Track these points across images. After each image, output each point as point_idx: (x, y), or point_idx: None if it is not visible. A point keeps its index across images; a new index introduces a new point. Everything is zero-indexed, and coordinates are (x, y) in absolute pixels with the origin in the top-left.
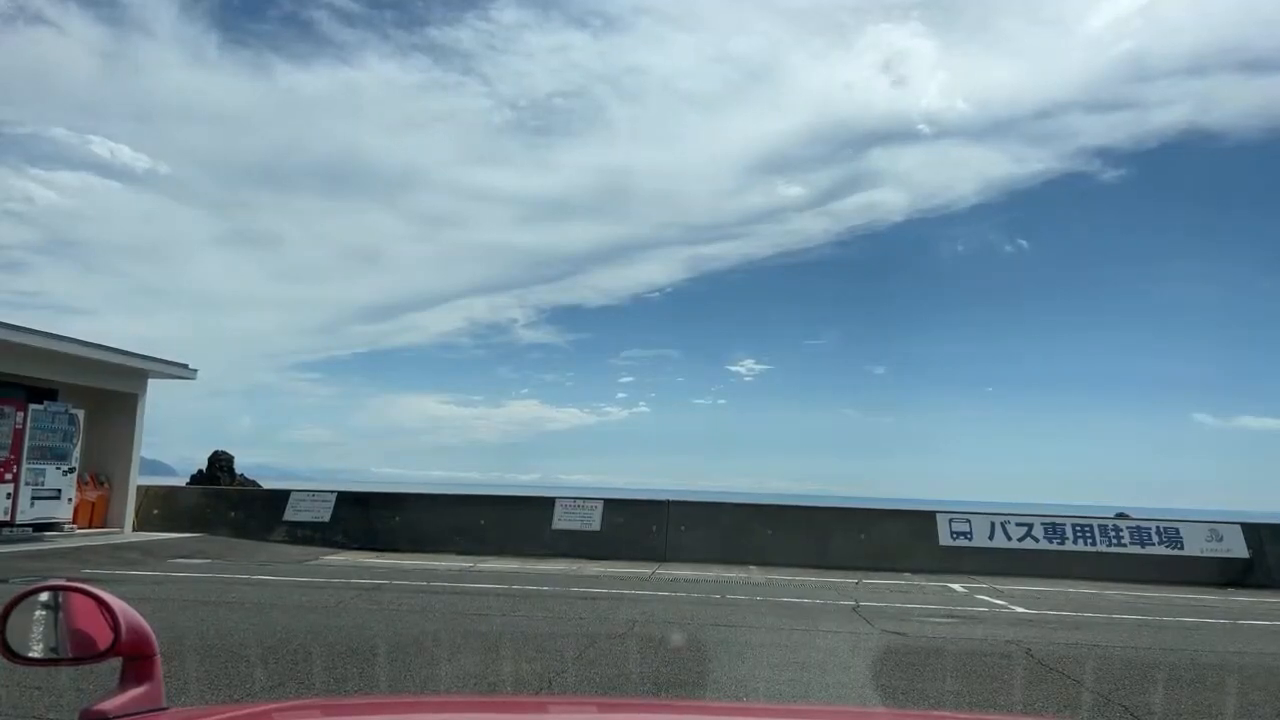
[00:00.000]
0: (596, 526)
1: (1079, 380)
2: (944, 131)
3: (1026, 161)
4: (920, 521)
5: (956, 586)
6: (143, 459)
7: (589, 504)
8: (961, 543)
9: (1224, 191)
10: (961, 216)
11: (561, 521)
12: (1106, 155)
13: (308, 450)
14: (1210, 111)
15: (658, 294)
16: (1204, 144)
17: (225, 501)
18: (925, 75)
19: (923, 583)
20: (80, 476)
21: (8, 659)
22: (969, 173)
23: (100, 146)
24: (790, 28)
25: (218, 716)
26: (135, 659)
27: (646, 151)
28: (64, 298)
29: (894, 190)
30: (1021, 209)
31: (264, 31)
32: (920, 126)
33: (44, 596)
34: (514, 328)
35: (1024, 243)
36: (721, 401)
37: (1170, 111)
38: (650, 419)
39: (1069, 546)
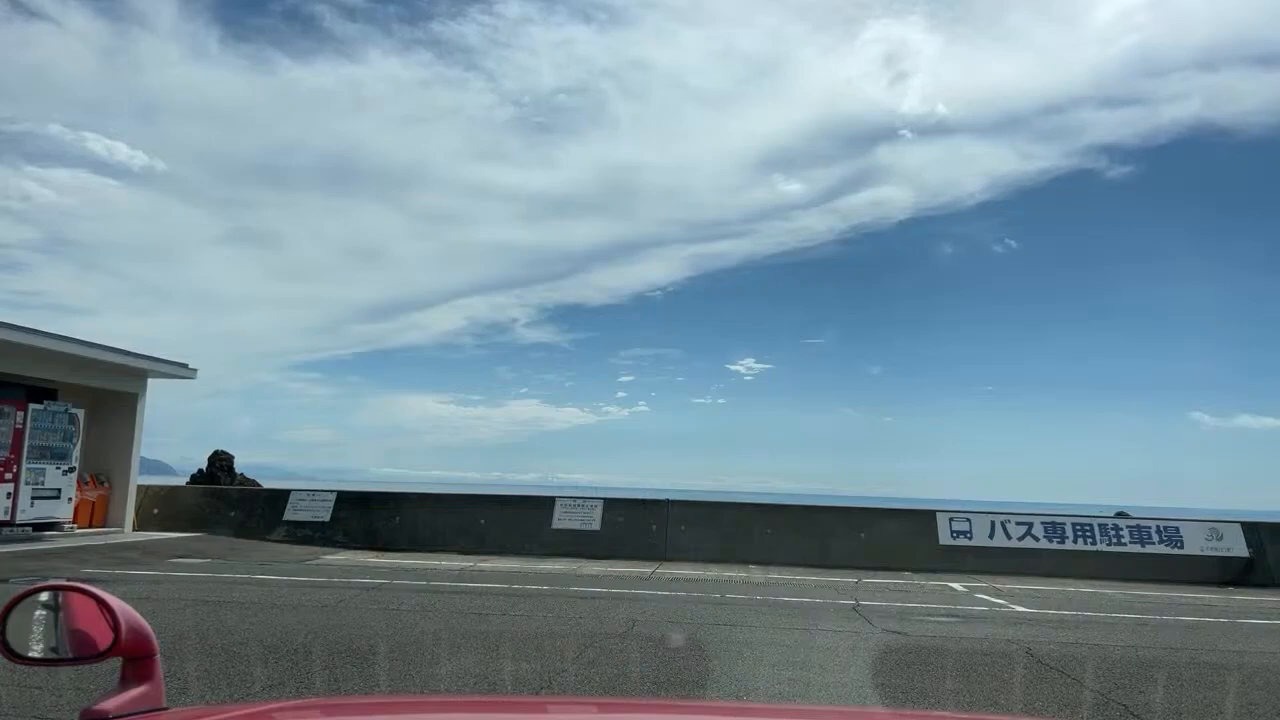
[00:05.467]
0: (596, 526)
1: (1080, 379)
2: (950, 128)
3: (1033, 158)
4: (920, 521)
5: (956, 586)
6: (143, 459)
7: (589, 503)
8: (961, 542)
9: (1231, 189)
10: (967, 214)
11: (561, 521)
12: (1114, 152)
13: (308, 450)
14: (1221, 107)
15: (659, 293)
16: (1214, 140)
17: (225, 501)
18: (931, 71)
19: (923, 582)
20: (80, 476)
21: (8, 659)
22: (976, 169)
23: (96, 144)
24: (797, 22)
25: (218, 716)
26: (135, 659)
27: (650, 148)
28: (63, 297)
29: (899, 187)
30: (1027, 207)
31: (266, 27)
32: (926, 123)
33: (44, 596)
34: (515, 327)
35: (1027, 241)
36: (721, 401)
37: (1180, 107)
38: (650, 418)
39: (1069, 545)
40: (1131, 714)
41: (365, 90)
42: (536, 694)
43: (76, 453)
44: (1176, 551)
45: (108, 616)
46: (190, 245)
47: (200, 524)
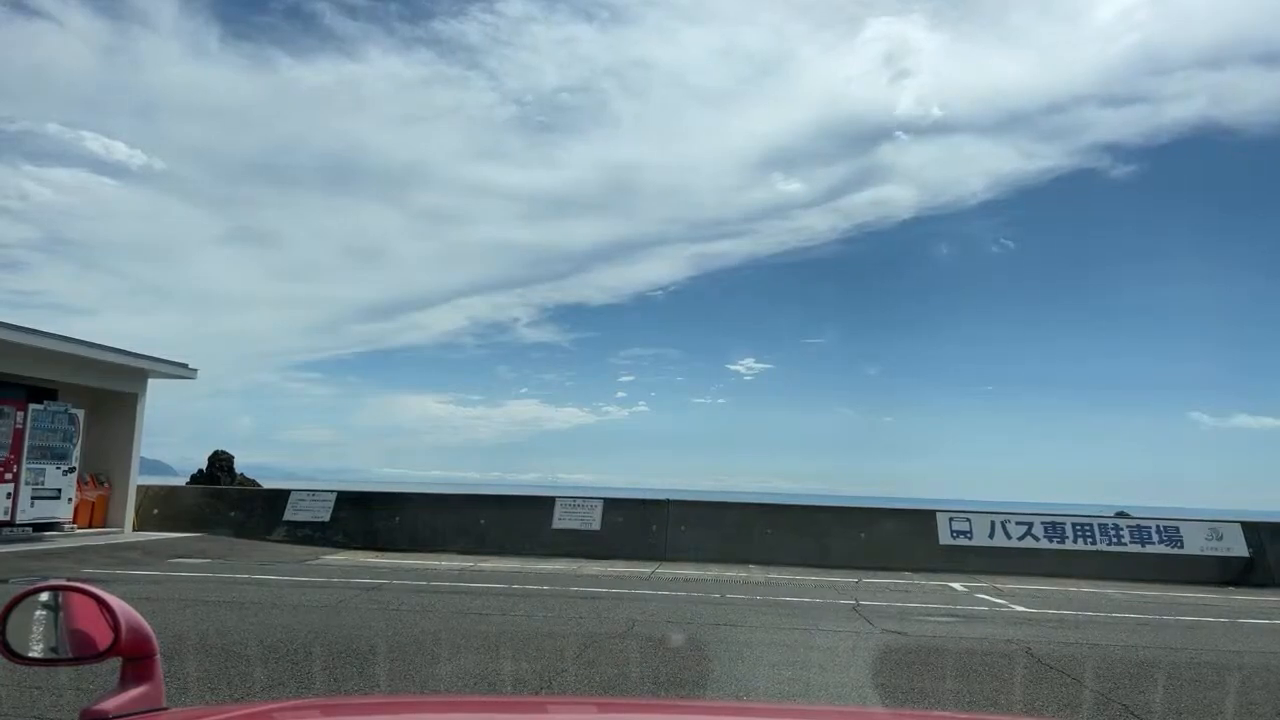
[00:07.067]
0: (596, 526)
1: (1080, 379)
2: (952, 127)
3: (1035, 158)
4: (920, 521)
5: (957, 585)
6: (143, 459)
7: (589, 504)
8: (962, 542)
9: (1233, 188)
10: (969, 213)
11: (561, 521)
12: (1117, 151)
13: (308, 450)
14: (1224, 105)
15: (661, 292)
16: (1217, 139)
17: (225, 501)
18: (933, 69)
19: (923, 582)
20: (80, 476)
21: (8, 659)
22: (978, 169)
23: (94, 142)
24: (799, 20)
25: (218, 716)
26: (135, 659)
27: (651, 147)
28: (63, 297)
29: (901, 187)
30: (1028, 206)
31: (266, 25)
32: (927, 122)
33: (44, 596)
34: (516, 327)
35: (1028, 240)
36: (721, 400)
37: (1183, 106)
38: (650, 418)
39: (1069, 545)
40: (1131, 714)
41: (366, 89)
42: (536, 694)
43: (76, 453)
44: (1177, 551)
45: (108, 616)
46: (190, 245)
47: (200, 524)
